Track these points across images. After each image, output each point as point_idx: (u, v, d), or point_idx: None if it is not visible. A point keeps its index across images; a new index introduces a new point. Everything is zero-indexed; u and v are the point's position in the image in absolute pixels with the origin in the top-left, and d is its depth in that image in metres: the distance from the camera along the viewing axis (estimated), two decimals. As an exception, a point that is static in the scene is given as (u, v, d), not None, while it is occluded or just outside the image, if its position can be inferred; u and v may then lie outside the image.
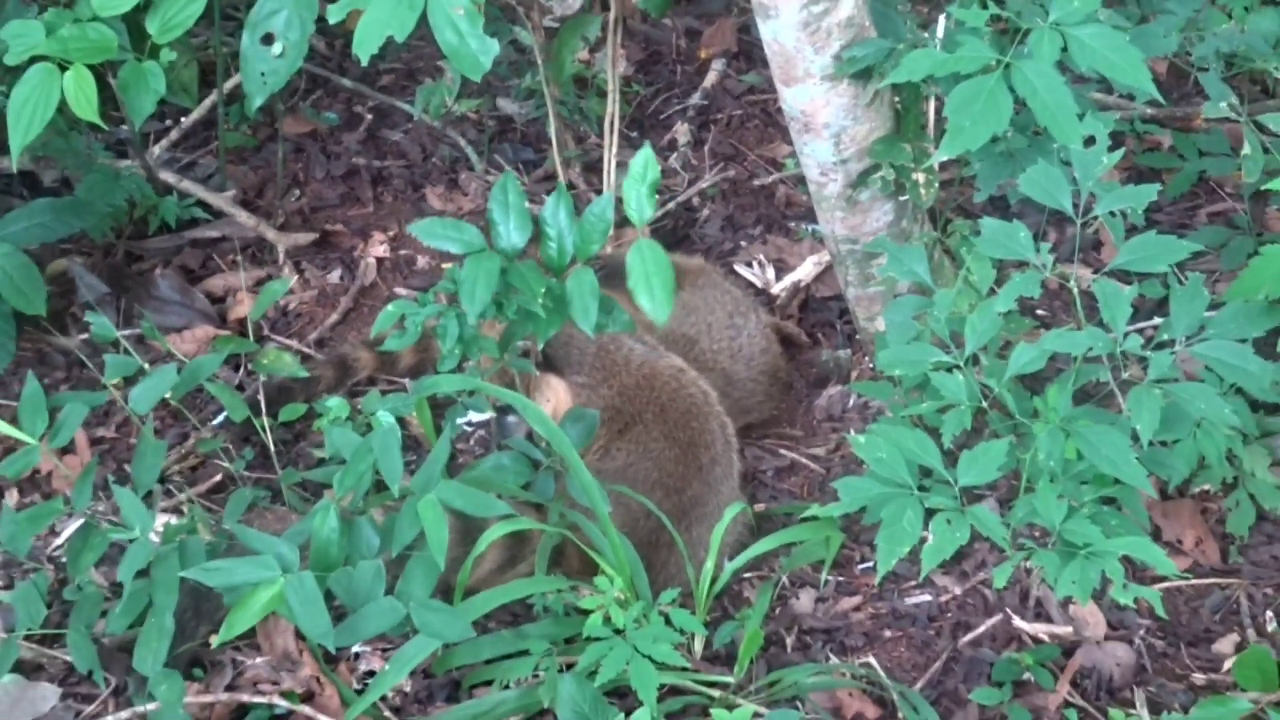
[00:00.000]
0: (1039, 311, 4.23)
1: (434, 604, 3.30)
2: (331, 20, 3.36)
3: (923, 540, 3.19)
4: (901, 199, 3.93)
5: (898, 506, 3.20)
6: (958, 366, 3.36)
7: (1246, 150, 3.95)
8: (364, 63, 3.29)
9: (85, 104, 3.79)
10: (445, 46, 3.33)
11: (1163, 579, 3.54)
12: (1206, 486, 3.68)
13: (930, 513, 3.21)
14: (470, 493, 3.36)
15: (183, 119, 5.11)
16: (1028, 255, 3.29)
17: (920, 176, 3.80)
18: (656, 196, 3.47)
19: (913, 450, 3.25)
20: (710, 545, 3.58)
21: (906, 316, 3.57)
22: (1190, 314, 3.29)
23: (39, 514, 3.50)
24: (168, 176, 4.86)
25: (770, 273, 4.67)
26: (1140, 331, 3.31)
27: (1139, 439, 3.16)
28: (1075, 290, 3.31)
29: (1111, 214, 3.35)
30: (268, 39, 3.76)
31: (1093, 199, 3.31)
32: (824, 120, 3.78)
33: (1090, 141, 3.35)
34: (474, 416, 4.02)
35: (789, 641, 3.61)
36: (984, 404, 3.33)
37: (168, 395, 3.78)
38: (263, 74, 3.77)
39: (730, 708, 3.33)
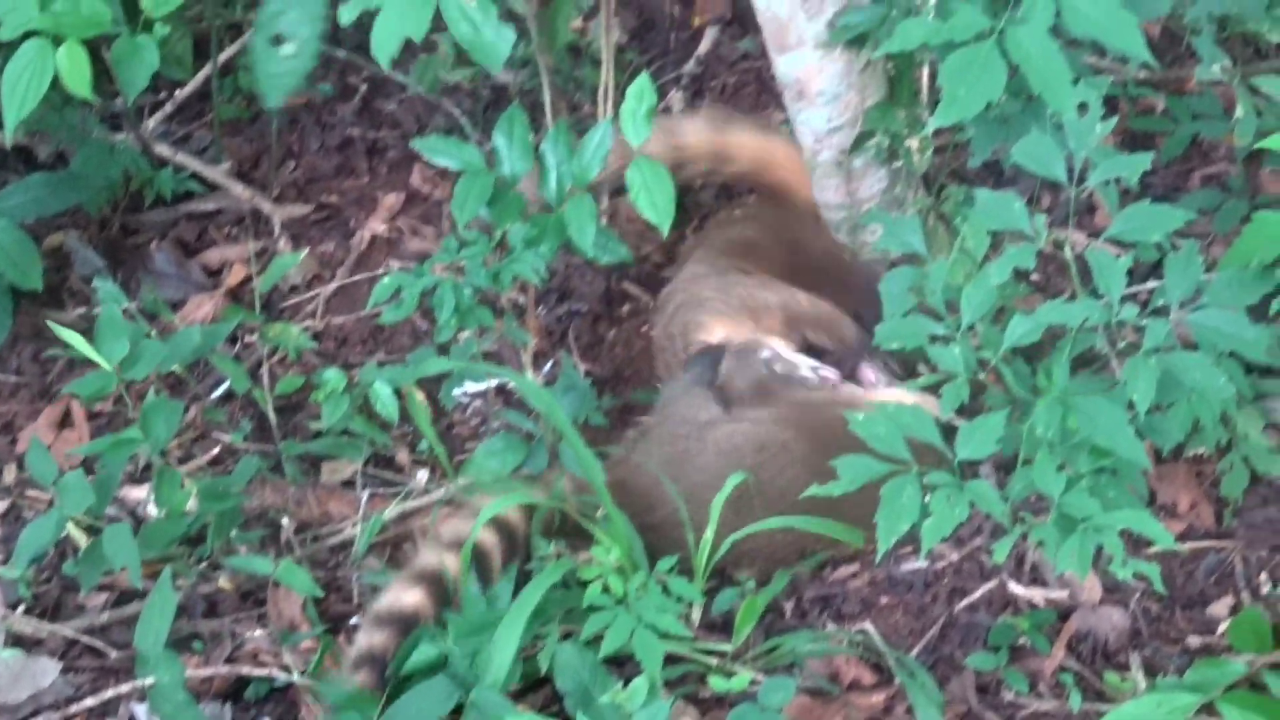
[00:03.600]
0: (1033, 277, 4.24)
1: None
2: (343, 21, 3.37)
3: (923, 516, 3.19)
4: (895, 165, 3.93)
5: (896, 484, 3.20)
6: (953, 338, 3.36)
7: (1239, 113, 3.95)
8: (386, 68, 3.32)
9: (79, 79, 3.79)
10: (461, 39, 3.35)
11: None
12: (1201, 450, 3.68)
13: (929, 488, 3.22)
14: None
15: (177, 92, 5.10)
16: (1022, 226, 3.29)
17: (914, 143, 3.80)
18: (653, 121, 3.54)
19: (910, 425, 3.25)
20: (710, 518, 3.58)
21: (902, 288, 3.57)
22: (1185, 281, 3.29)
23: (121, 443, 3.52)
24: (162, 149, 4.86)
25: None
26: (1135, 296, 3.31)
27: (1135, 407, 3.17)
28: (1070, 259, 3.32)
29: (1105, 181, 3.35)
30: (277, 40, 3.75)
31: (1087, 164, 3.31)
32: (818, 88, 3.78)
33: (1084, 108, 3.35)
34: (470, 387, 4.04)
35: (787, 609, 3.63)
36: (981, 375, 3.33)
37: (174, 366, 3.80)
38: (276, 75, 3.76)
39: (728, 675, 3.35)
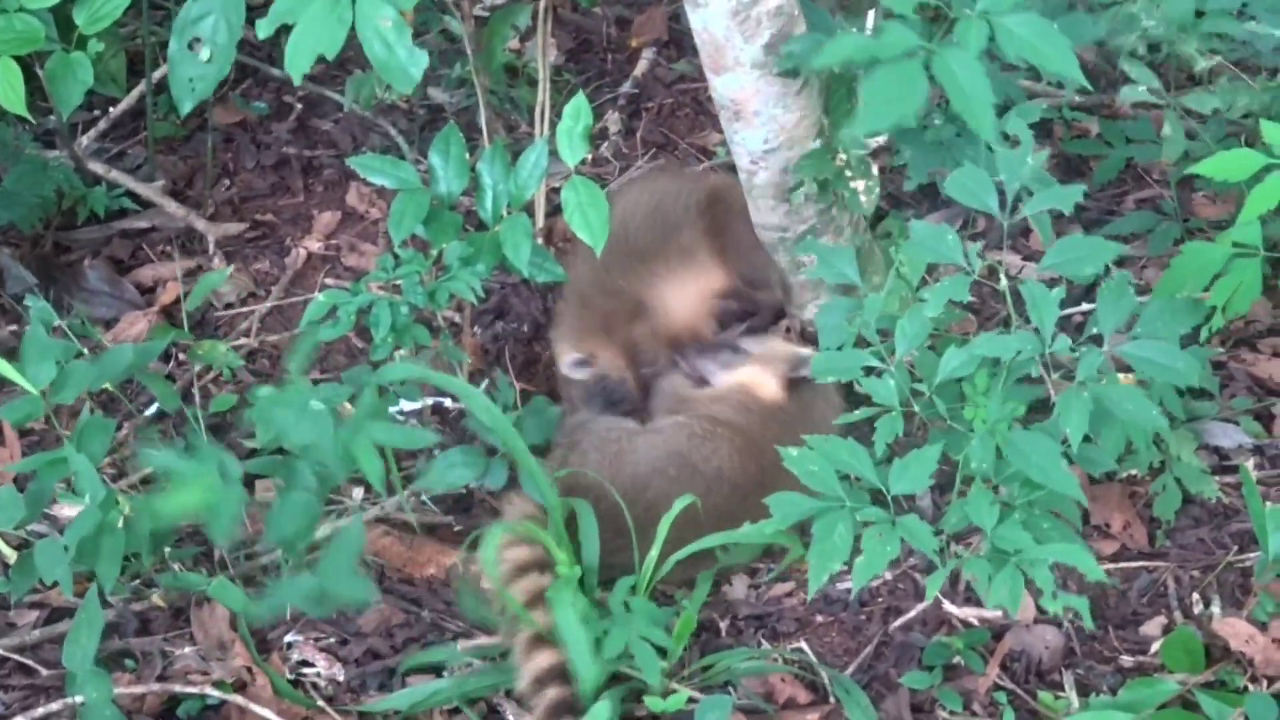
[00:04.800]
0: (970, 298, 4.25)
1: (349, 572, 3.33)
2: (261, 35, 3.36)
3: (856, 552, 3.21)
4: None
5: (829, 522, 3.22)
6: (888, 371, 3.37)
7: (1167, 130, 3.98)
8: (297, 82, 3.31)
9: (12, 96, 3.77)
10: (374, 60, 3.35)
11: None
12: (1134, 471, 3.71)
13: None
14: (402, 431, 3.51)
15: (111, 109, 5.08)
16: (956, 259, 3.32)
17: (860, 184, 3.82)
18: (589, 141, 3.54)
19: (845, 461, 3.27)
20: (658, 536, 3.58)
21: (839, 319, 3.58)
22: (1117, 311, 3.32)
23: (54, 463, 3.47)
24: (96, 167, 4.84)
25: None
26: (1069, 318, 3.32)
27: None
28: (1005, 288, 3.33)
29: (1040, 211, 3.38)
30: (195, 43, 3.74)
31: (1020, 192, 3.33)
32: (754, 108, 3.80)
33: (1014, 139, 3.38)
34: (406, 405, 4.02)
35: (722, 627, 3.63)
36: (915, 406, 3.35)
37: (106, 384, 3.77)
38: (190, 79, 3.76)
39: (664, 694, 3.34)
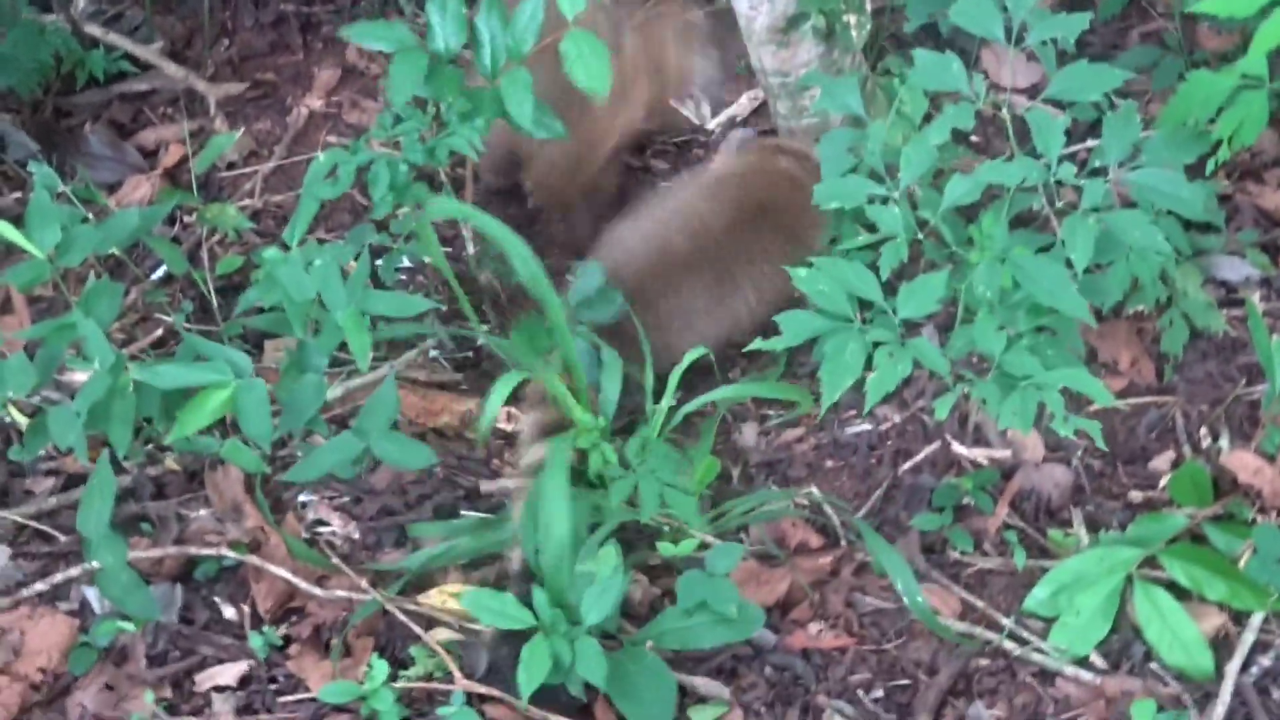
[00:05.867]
0: (973, 139, 4.24)
1: (394, 435, 3.34)
2: None
3: (866, 373, 3.20)
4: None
5: (840, 340, 3.20)
6: (893, 199, 3.35)
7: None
8: None
9: (6, -41, 3.74)
10: None
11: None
12: (1141, 307, 3.70)
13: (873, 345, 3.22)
14: (394, 298, 3.51)
15: (107, -30, 5.05)
16: (960, 87, 3.29)
17: (851, 19, 3.79)
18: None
19: (853, 283, 3.24)
20: (670, 383, 3.60)
21: (841, 149, 3.56)
22: (1122, 141, 3.30)
23: (62, 328, 3.45)
24: (93, 30, 4.81)
25: (706, 108, 4.65)
26: (1074, 156, 3.31)
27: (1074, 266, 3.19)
28: (1008, 119, 3.32)
29: (1043, 42, 3.34)
30: None
31: (1025, 26, 3.31)
32: (753, -49, 3.77)
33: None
34: (410, 262, 4.02)
35: (734, 474, 3.65)
36: (920, 235, 3.33)
37: (113, 249, 3.77)
38: None
39: (676, 540, 3.36)
